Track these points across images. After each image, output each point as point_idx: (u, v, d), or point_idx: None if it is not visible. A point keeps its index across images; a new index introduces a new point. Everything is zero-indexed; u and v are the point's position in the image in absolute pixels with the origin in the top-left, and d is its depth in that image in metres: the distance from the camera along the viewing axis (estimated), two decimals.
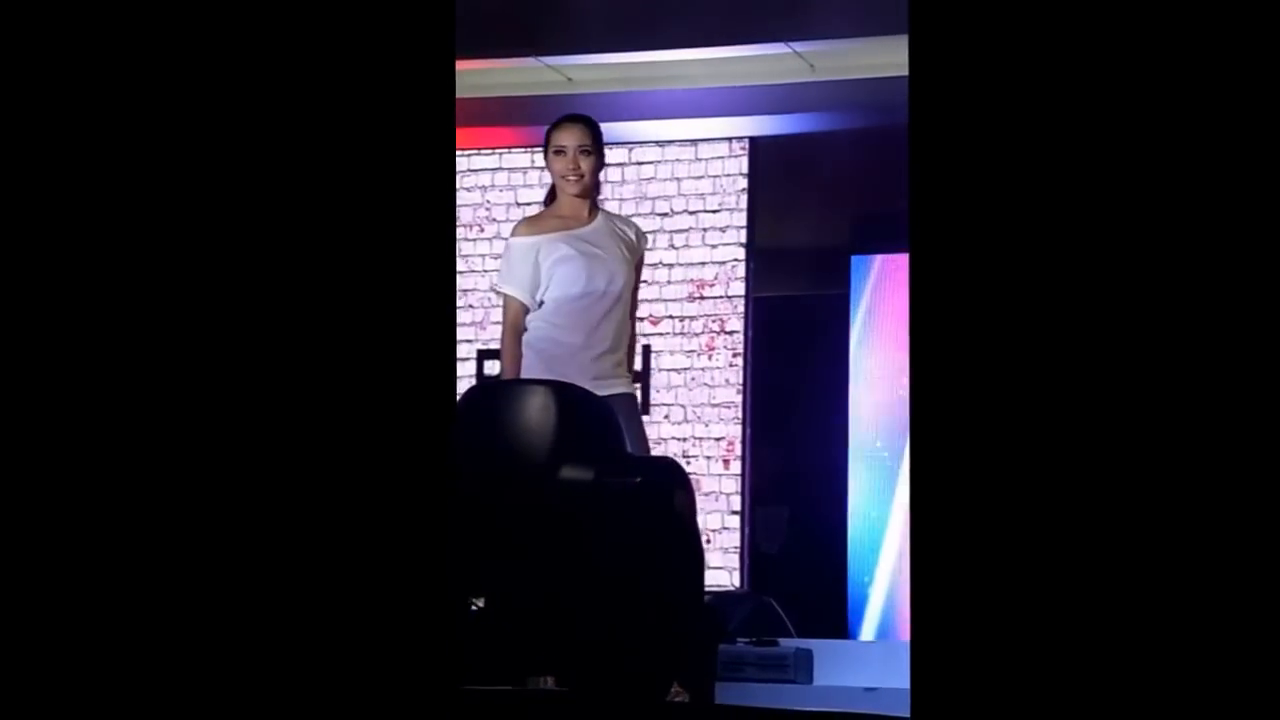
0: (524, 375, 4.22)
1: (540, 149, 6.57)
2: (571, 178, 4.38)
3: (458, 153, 6.50)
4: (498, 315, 6.57)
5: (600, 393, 4.15)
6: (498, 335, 6.51)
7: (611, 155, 6.47)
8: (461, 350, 6.50)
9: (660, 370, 6.24)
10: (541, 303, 4.31)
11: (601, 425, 3.70)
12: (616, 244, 4.41)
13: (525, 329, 4.32)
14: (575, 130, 4.41)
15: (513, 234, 4.43)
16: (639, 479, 3.55)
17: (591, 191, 4.44)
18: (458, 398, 3.81)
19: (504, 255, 4.44)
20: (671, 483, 3.62)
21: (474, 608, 3.34)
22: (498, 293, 4.50)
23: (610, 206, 6.63)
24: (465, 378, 6.45)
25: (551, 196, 4.48)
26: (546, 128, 4.47)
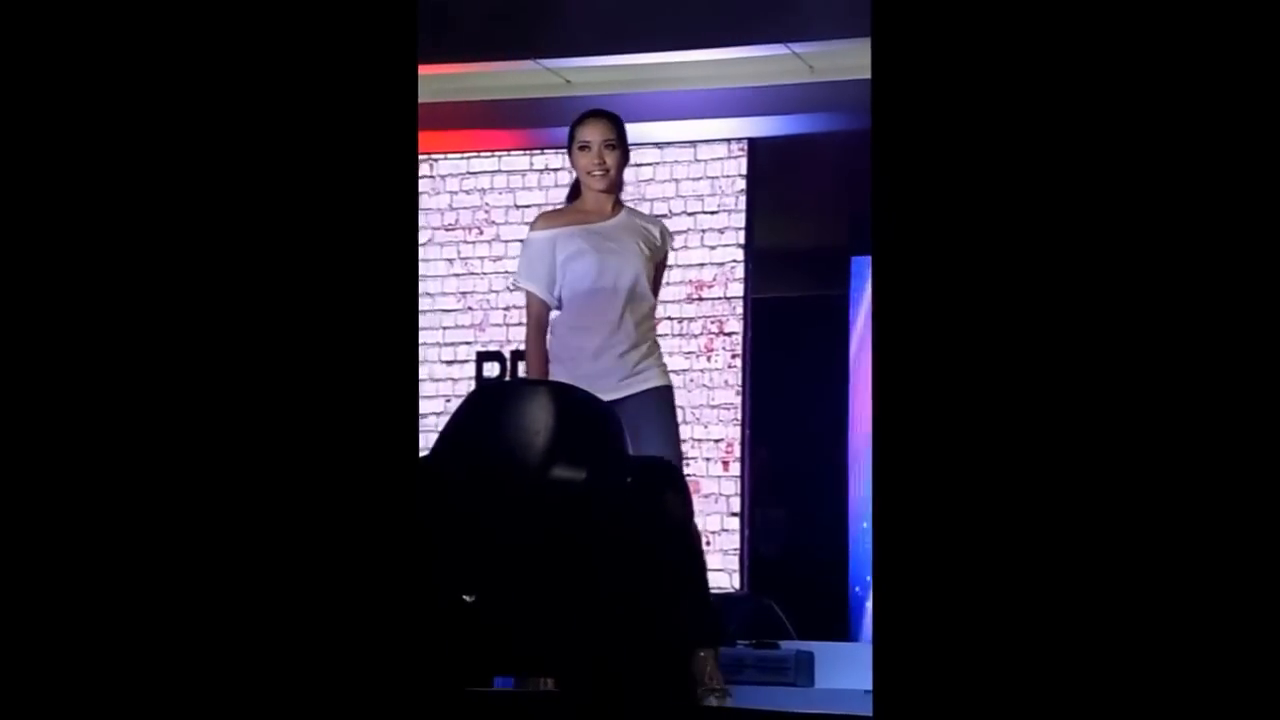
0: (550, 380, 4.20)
1: (539, 151, 6.58)
2: (596, 173, 4.35)
3: (458, 155, 6.50)
4: (496, 318, 6.59)
5: (633, 390, 4.14)
6: (496, 338, 6.54)
7: None
8: (460, 352, 6.49)
9: None
10: (560, 301, 4.29)
11: (600, 427, 3.70)
12: (635, 240, 4.37)
13: (549, 329, 4.29)
14: (600, 125, 4.38)
15: (531, 228, 4.41)
16: (630, 479, 3.55)
17: (616, 187, 4.41)
18: (459, 399, 3.81)
19: (522, 250, 4.41)
20: (664, 484, 3.63)
21: (466, 601, 3.34)
22: (518, 288, 4.48)
23: None
24: (464, 379, 6.44)
25: (575, 193, 4.44)
26: (570, 124, 4.44)
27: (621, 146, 4.38)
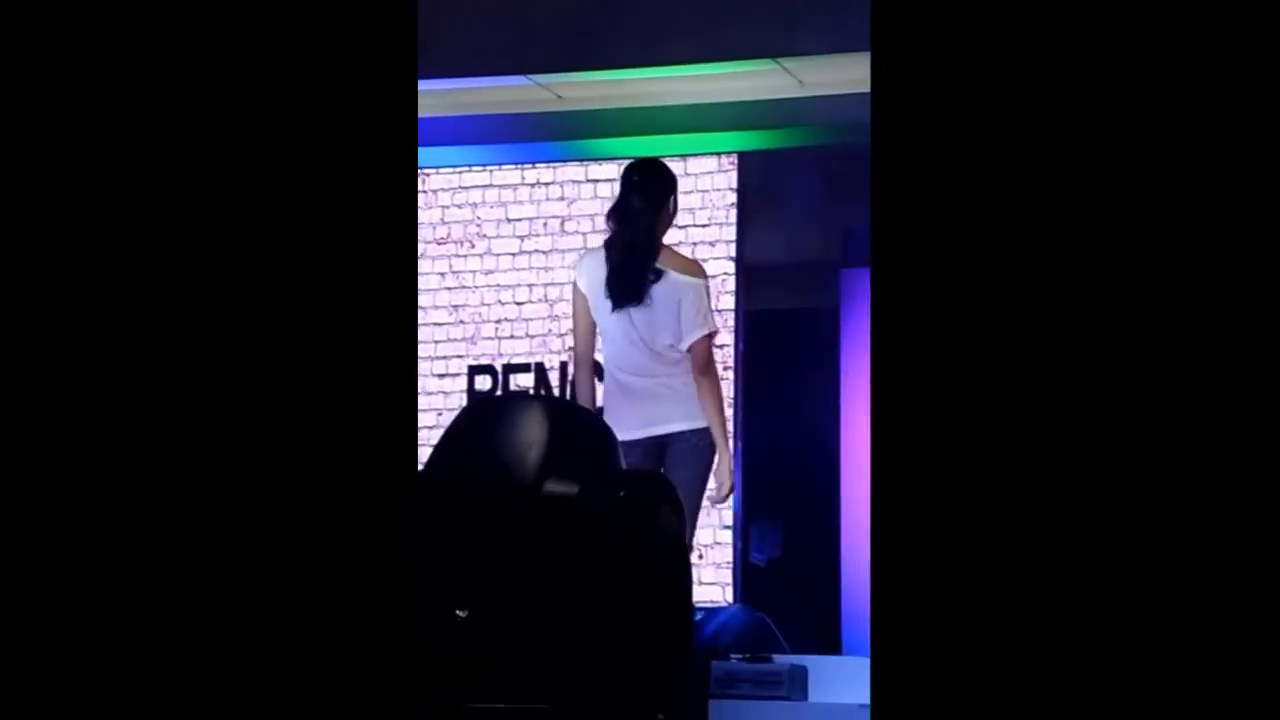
0: None
1: (530, 166, 6.59)
2: None
3: (450, 170, 6.51)
4: (488, 331, 6.59)
5: None
6: (488, 351, 6.55)
7: (601, 171, 6.47)
8: (452, 366, 6.49)
9: None
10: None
11: (594, 442, 3.71)
12: None
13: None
14: None
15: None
16: (623, 493, 3.56)
17: None
18: (451, 413, 3.82)
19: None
20: (657, 497, 3.64)
21: (459, 617, 3.33)
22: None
23: (600, 221, 6.65)
24: (456, 393, 6.44)
25: None
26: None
27: None
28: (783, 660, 5.50)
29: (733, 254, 6.20)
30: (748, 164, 6.25)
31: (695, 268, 4.69)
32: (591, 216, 6.40)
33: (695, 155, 6.30)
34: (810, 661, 5.51)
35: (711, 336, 4.62)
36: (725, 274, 6.20)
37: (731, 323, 6.16)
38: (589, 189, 6.42)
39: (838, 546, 6.07)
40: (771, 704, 5.07)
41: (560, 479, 3.50)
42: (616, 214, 4.62)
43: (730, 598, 6.05)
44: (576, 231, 6.42)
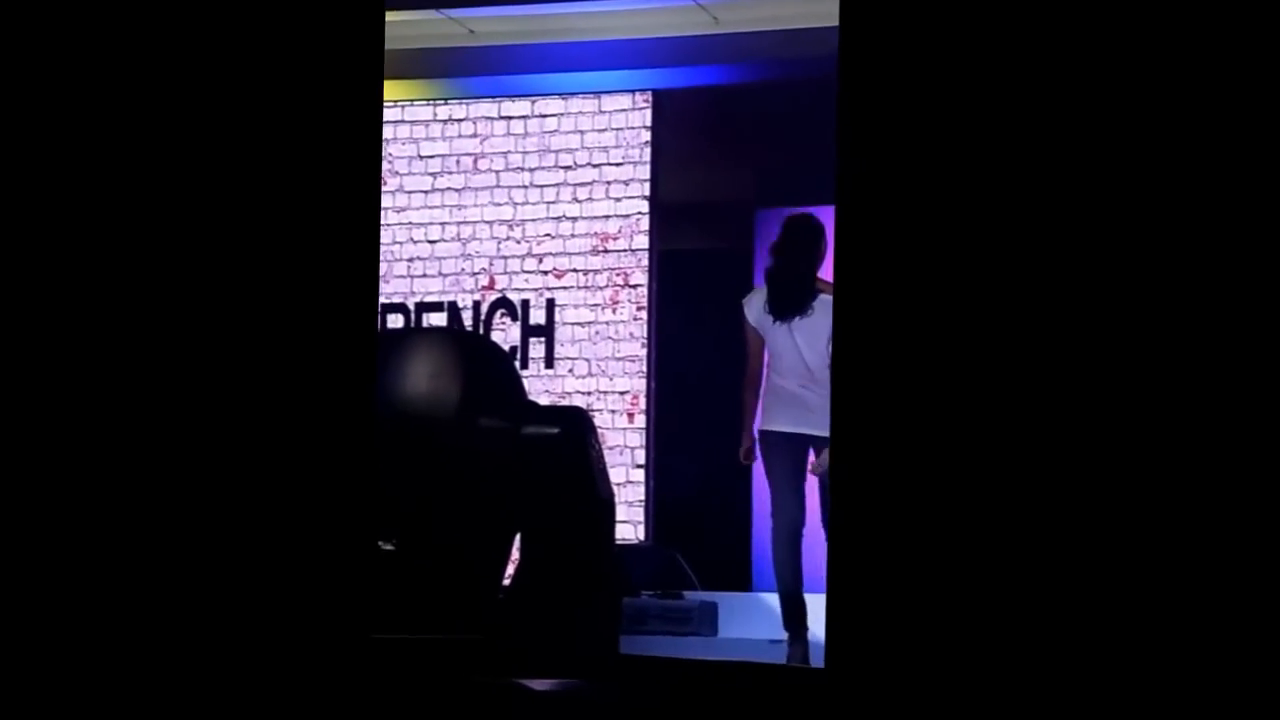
0: None
1: (442, 102, 6.53)
2: None
3: None
4: (400, 270, 6.55)
5: None
6: (400, 289, 6.51)
7: (514, 108, 6.43)
8: None
9: (564, 324, 6.23)
10: None
11: (508, 374, 3.73)
12: None
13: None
14: None
15: None
16: (557, 429, 3.58)
17: None
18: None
19: None
20: (586, 431, 3.66)
21: (385, 548, 3.33)
22: None
23: (514, 159, 6.61)
24: None
25: None
26: None
27: None
28: (693, 596, 5.54)
29: (646, 193, 6.19)
30: (662, 102, 6.23)
31: None
32: (504, 154, 6.35)
33: (609, 93, 6.27)
34: (720, 598, 5.55)
35: None
36: (639, 213, 6.19)
37: (645, 262, 6.16)
38: (501, 125, 6.38)
39: (750, 485, 6.10)
40: (682, 639, 5.11)
41: (487, 413, 3.51)
42: (778, 251, 5.25)
43: (643, 536, 6.07)
44: (489, 170, 6.37)
